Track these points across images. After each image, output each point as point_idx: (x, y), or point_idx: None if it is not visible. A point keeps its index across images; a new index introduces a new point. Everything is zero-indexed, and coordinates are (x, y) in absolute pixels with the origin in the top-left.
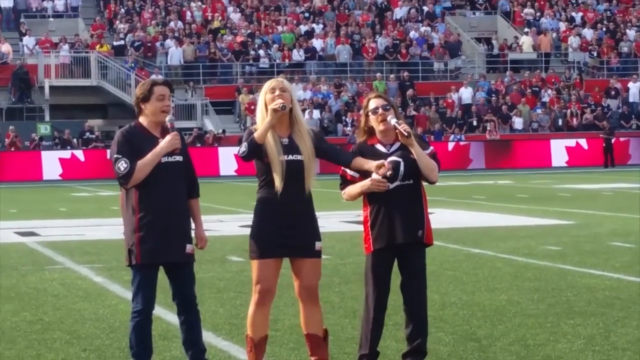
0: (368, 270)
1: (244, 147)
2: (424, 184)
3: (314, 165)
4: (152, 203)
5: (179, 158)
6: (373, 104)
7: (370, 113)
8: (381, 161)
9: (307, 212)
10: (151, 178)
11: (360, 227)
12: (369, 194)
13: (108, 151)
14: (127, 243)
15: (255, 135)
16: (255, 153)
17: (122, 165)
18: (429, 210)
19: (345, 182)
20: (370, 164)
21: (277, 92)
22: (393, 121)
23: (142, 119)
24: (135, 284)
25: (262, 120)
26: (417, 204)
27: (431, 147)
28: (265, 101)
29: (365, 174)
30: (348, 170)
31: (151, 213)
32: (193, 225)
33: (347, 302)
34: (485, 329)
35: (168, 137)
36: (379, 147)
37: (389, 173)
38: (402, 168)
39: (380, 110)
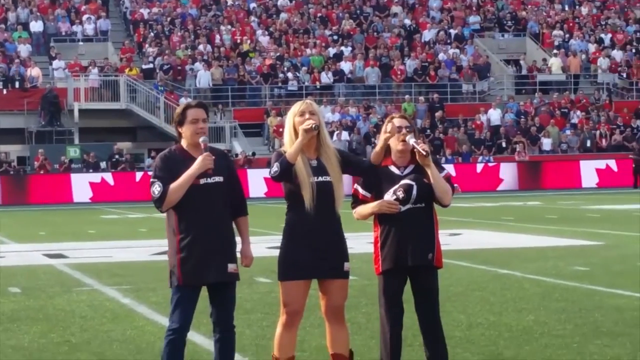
0: (380, 292)
1: (275, 167)
2: (437, 207)
3: (342, 187)
4: (191, 225)
5: (219, 179)
6: (397, 122)
7: (391, 132)
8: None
9: (336, 233)
10: (189, 200)
11: None
12: (380, 215)
13: (137, 173)
14: (170, 264)
15: (288, 155)
16: (286, 173)
17: (157, 189)
18: (457, 231)
19: (357, 201)
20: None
21: (307, 115)
22: (412, 141)
23: (183, 142)
24: (174, 302)
25: (290, 142)
26: (428, 227)
27: (446, 170)
28: (294, 123)
29: (377, 194)
30: (360, 190)
31: (190, 235)
32: (239, 246)
33: (374, 323)
34: (512, 350)
35: (199, 159)
36: (393, 169)
37: (401, 195)
38: (414, 191)
39: (404, 130)
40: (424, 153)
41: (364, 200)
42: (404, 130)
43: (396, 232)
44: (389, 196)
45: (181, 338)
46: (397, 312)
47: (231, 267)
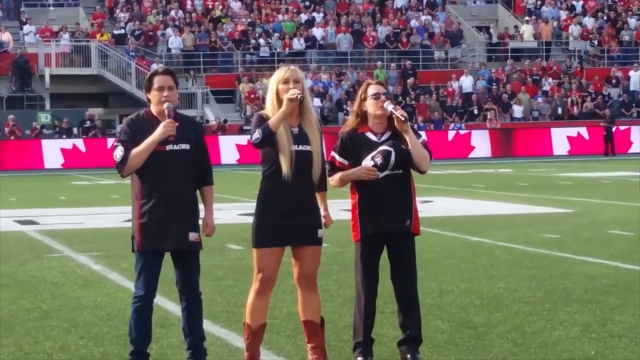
0: (357, 259)
1: (257, 134)
2: (414, 173)
3: (321, 156)
4: (153, 191)
5: (185, 146)
6: (374, 89)
7: (370, 98)
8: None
9: (311, 201)
10: (153, 166)
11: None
12: (358, 181)
13: (108, 140)
14: (132, 229)
15: (270, 123)
16: (268, 141)
17: (119, 153)
18: (428, 198)
19: (334, 168)
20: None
21: (291, 84)
22: (390, 107)
23: (152, 108)
24: (138, 270)
25: (272, 108)
26: (405, 194)
27: (423, 137)
28: (277, 90)
29: (355, 161)
30: (337, 157)
31: (152, 201)
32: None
33: (345, 290)
34: (482, 317)
35: (161, 125)
36: (370, 135)
37: (379, 161)
38: (393, 157)
39: (382, 97)
40: (402, 119)
41: (341, 167)
42: (382, 97)
43: (374, 198)
44: (367, 162)
45: (147, 304)
46: (373, 279)
47: (192, 235)
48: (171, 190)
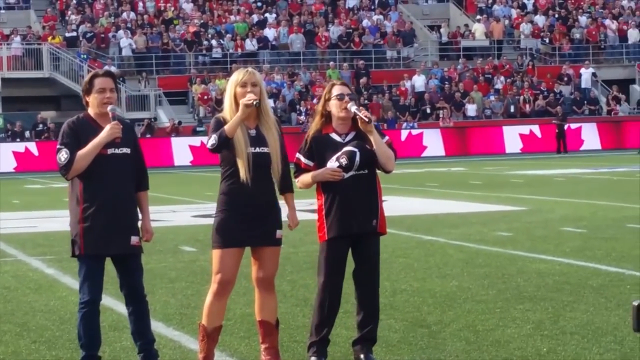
0: (322, 259)
1: (213, 140)
2: (379, 173)
3: (280, 157)
4: (96, 194)
5: (127, 150)
6: (338, 90)
7: (334, 99)
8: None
9: (271, 202)
10: (96, 169)
11: (313, 216)
12: (324, 182)
13: None
14: (72, 233)
15: (226, 128)
16: (224, 146)
17: (63, 156)
18: (382, 198)
19: (300, 170)
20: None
21: (248, 88)
22: (353, 108)
23: (90, 110)
24: (82, 275)
25: (230, 110)
26: (371, 194)
27: (387, 137)
28: (235, 92)
29: (320, 162)
30: (302, 158)
31: (95, 204)
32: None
33: (299, 290)
34: (435, 315)
35: (107, 127)
36: (334, 136)
37: (344, 162)
38: (357, 158)
39: (346, 98)
40: (366, 119)
41: (307, 169)
42: (346, 98)
43: (340, 199)
44: (331, 164)
45: (94, 309)
46: (338, 280)
47: (134, 239)
48: (114, 194)
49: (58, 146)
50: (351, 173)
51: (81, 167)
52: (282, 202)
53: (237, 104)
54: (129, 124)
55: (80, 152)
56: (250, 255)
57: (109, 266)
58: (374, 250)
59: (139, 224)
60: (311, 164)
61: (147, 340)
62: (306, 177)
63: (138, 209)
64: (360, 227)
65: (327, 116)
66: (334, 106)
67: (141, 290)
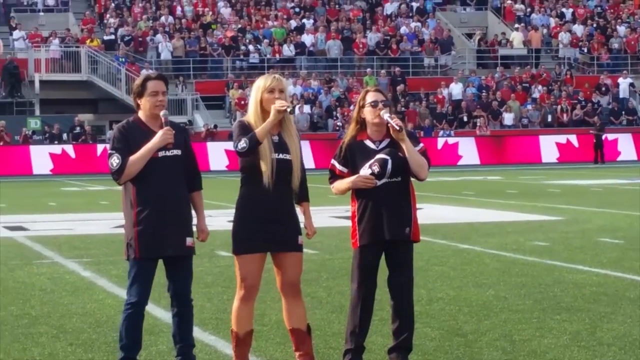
0: (355, 266)
1: (244, 143)
2: (413, 180)
3: (300, 164)
4: (149, 197)
5: (177, 152)
6: (372, 97)
7: (367, 105)
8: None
9: (290, 208)
10: (148, 172)
11: (348, 223)
12: (357, 189)
13: (98, 146)
14: (126, 237)
15: (257, 133)
16: (254, 150)
17: (115, 161)
18: (418, 206)
19: (334, 176)
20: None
21: (276, 94)
22: (386, 115)
23: (140, 114)
24: (132, 276)
25: (254, 115)
26: (405, 201)
27: (421, 144)
28: (261, 98)
29: (354, 169)
30: (337, 165)
31: (149, 207)
32: (195, 219)
33: (334, 297)
34: (471, 324)
35: (160, 132)
36: (368, 143)
37: (376, 170)
38: (389, 166)
39: (380, 104)
40: (397, 128)
41: (341, 176)
42: (380, 105)
43: (373, 206)
44: (364, 171)
45: (139, 312)
46: (370, 286)
47: (189, 240)
48: (167, 196)
49: (109, 151)
50: (384, 180)
51: (133, 172)
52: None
53: (262, 109)
54: (179, 126)
55: (133, 157)
56: (272, 263)
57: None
58: (407, 258)
59: (194, 224)
60: (345, 170)
61: (187, 344)
62: (340, 184)
63: (193, 210)
64: (392, 235)
65: (362, 123)
66: (367, 113)
67: (188, 294)
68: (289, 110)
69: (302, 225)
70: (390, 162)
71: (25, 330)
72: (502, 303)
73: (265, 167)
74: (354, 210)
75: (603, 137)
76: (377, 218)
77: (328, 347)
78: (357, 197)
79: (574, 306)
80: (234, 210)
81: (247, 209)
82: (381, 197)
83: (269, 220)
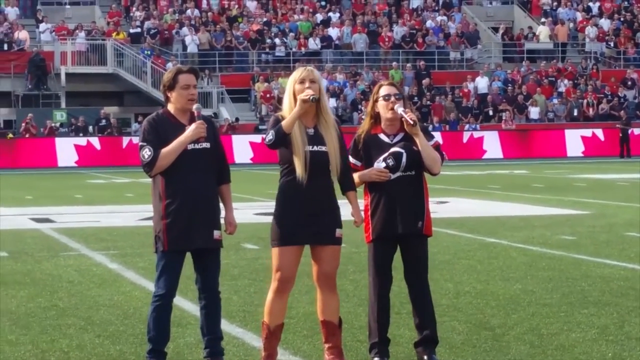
0: (370, 260)
1: (270, 135)
2: (426, 175)
3: (339, 156)
4: (178, 190)
5: (207, 145)
6: (385, 90)
7: (380, 99)
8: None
9: (329, 201)
10: (178, 165)
11: None
12: (371, 183)
13: (124, 139)
14: (155, 230)
15: (283, 124)
16: (281, 142)
17: (147, 153)
18: (443, 199)
19: (353, 181)
20: (354, 212)
21: (307, 84)
22: (400, 110)
23: (170, 107)
24: (160, 269)
25: (289, 108)
26: (418, 195)
27: (435, 139)
28: (294, 90)
29: (367, 162)
30: (350, 158)
31: (178, 200)
32: (223, 212)
33: (361, 290)
34: (499, 318)
35: (193, 126)
36: (382, 137)
37: (390, 163)
38: (404, 159)
39: (392, 98)
40: (411, 122)
41: (355, 169)
42: (392, 98)
43: (386, 200)
44: (378, 164)
45: (167, 304)
46: (385, 280)
47: (216, 233)
48: (196, 189)
49: (140, 143)
50: (398, 174)
51: (165, 164)
52: (344, 202)
53: (296, 101)
54: (208, 119)
55: (164, 150)
56: (310, 255)
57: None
58: (420, 252)
59: (222, 217)
60: (359, 164)
61: (215, 336)
62: (354, 177)
63: (221, 203)
64: (405, 229)
65: (376, 117)
66: (381, 107)
67: (216, 286)
68: (312, 99)
69: (350, 216)
70: (405, 155)
71: (53, 322)
72: (530, 297)
73: (298, 160)
74: (367, 204)
75: (629, 131)
76: (390, 212)
77: (355, 340)
78: (370, 191)
79: (601, 300)
80: (259, 204)
81: (286, 202)
82: (394, 190)
83: (307, 213)
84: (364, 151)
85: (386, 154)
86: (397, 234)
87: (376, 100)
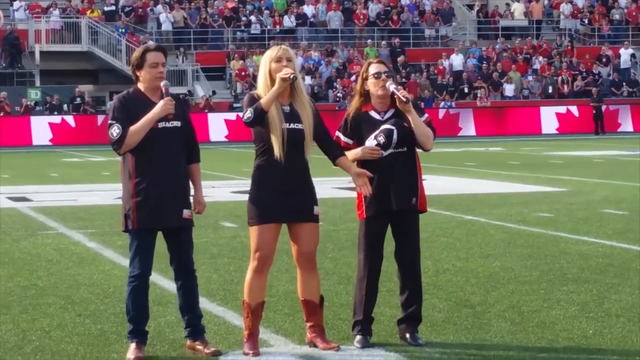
0: (361, 237)
1: (249, 113)
2: (419, 151)
3: (312, 134)
4: (148, 168)
5: (177, 123)
6: (375, 68)
7: (371, 77)
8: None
9: (305, 179)
10: (147, 143)
11: (353, 194)
12: (363, 160)
13: (99, 117)
14: (124, 208)
15: (262, 102)
16: (260, 119)
17: (115, 131)
18: (423, 177)
19: (339, 148)
20: (355, 170)
21: (284, 62)
22: (392, 87)
23: (140, 85)
24: (133, 249)
25: (264, 86)
26: (411, 172)
27: (426, 115)
28: (270, 69)
29: (359, 140)
30: (342, 137)
31: (147, 178)
32: (192, 191)
33: (341, 268)
34: (479, 296)
35: (161, 103)
36: (373, 114)
37: (382, 140)
38: (395, 136)
39: (383, 76)
40: (404, 99)
41: (346, 148)
42: (383, 76)
43: (379, 177)
44: (370, 142)
45: (144, 283)
46: (377, 257)
47: (186, 212)
48: (165, 167)
49: (110, 121)
50: (390, 151)
51: (134, 142)
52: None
53: (272, 79)
54: (178, 97)
55: (133, 128)
56: (288, 234)
57: (157, 241)
58: (413, 229)
59: (191, 196)
60: (350, 142)
61: (194, 315)
62: (346, 155)
63: (190, 182)
64: (399, 205)
65: (365, 95)
66: (371, 85)
67: (191, 265)
68: (292, 77)
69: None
70: (395, 132)
71: (34, 301)
72: (509, 274)
73: (275, 137)
74: None
75: (602, 108)
76: (384, 189)
77: (337, 318)
78: (363, 169)
79: (580, 277)
80: (236, 182)
81: (262, 180)
82: (387, 167)
83: (283, 191)
84: (355, 129)
85: (377, 132)
86: (392, 211)
87: (366, 78)
